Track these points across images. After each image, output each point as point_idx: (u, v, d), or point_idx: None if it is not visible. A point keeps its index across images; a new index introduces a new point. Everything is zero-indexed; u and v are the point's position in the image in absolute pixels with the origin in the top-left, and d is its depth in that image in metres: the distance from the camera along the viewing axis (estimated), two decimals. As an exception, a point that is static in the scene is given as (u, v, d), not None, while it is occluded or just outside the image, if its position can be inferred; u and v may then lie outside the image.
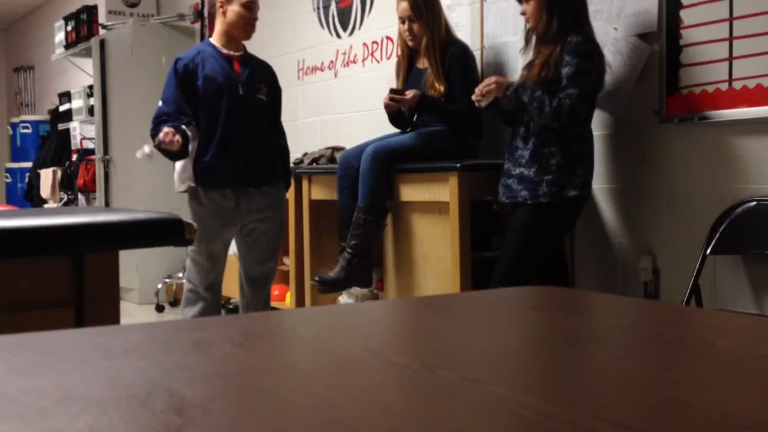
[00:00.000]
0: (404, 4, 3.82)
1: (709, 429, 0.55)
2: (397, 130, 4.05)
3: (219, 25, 3.86)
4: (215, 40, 3.86)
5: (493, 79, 3.32)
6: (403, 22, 3.85)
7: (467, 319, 0.98)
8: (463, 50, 3.83)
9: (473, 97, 3.33)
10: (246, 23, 3.81)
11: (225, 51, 3.82)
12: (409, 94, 3.75)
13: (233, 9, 3.78)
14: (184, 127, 3.63)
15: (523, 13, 3.29)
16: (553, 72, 3.14)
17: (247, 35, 3.87)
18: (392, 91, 3.80)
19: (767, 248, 2.97)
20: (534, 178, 3.17)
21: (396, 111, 3.88)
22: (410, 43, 3.87)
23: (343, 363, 0.76)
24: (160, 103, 3.75)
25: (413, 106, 3.80)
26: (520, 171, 3.22)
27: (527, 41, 3.34)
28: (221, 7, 3.82)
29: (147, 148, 3.83)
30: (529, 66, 3.29)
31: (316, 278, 3.84)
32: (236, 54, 3.85)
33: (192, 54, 3.82)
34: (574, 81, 3.09)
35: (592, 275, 3.60)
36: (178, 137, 3.53)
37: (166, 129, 3.54)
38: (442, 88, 3.76)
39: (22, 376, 0.69)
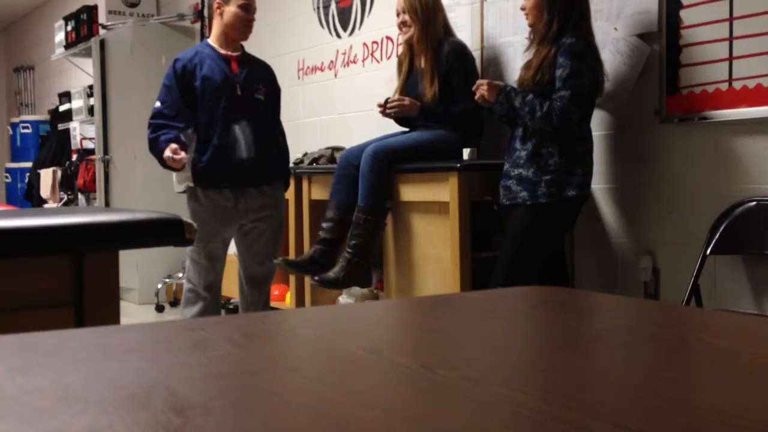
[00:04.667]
0: None
1: (708, 429, 0.55)
2: (397, 130, 4.05)
3: (216, 27, 3.87)
4: (213, 41, 3.86)
5: (484, 83, 3.32)
6: (398, 15, 3.89)
7: (467, 319, 0.98)
8: (461, 48, 3.84)
9: (476, 97, 3.35)
10: (243, 24, 3.81)
11: (223, 51, 3.83)
12: (407, 101, 3.80)
13: (230, 10, 3.79)
14: (182, 137, 3.64)
15: (523, 8, 3.30)
16: (548, 75, 3.15)
17: (244, 36, 3.87)
18: (387, 102, 3.85)
19: (767, 248, 2.97)
20: (533, 179, 3.17)
21: (400, 116, 3.92)
22: (403, 36, 3.90)
23: (343, 363, 0.76)
24: (158, 103, 3.75)
25: (415, 114, 3.83)
26: (518, 172, 3.22)
27: (531, 39, 3.34)
28: (218, 8, 3.83)
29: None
30: (526, 66, 3.30)
31: (316, 278, 3.84)
32: (234, 54, 3.85)
33: (190, 54, 3.82)
34: (566, 83, 3.10)
35: (592, 275, 3.60)
36: (183, 155, 3.55)
37: (174, 147, 3.55)
38: (436, 86, 3.76)
39: (22, 376, 0.69)
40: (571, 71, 3.09)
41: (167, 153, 3.54)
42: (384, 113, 3.90)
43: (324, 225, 3.88)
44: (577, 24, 3.18)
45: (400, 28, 3.92)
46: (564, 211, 3.23)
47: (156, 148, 3.65)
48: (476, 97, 3.34)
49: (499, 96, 3.25)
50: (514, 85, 3.33)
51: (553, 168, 3.15)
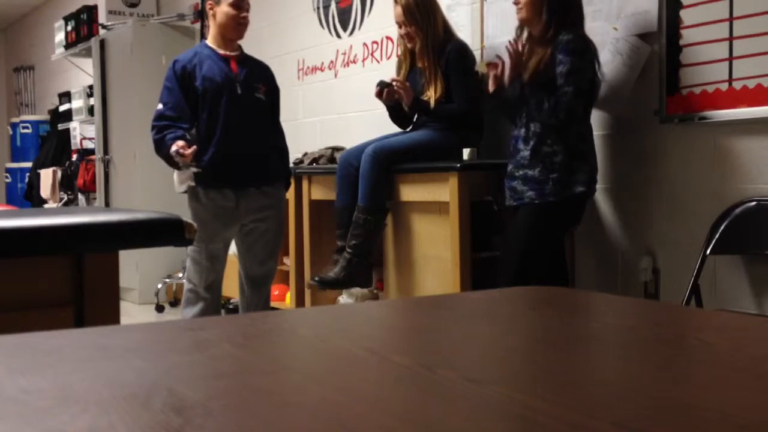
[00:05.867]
0: (398, 9, 3.83)
1: (708, 429, 0.55)
2: (397, 130, 4.05)
3: (212, 28, 3.88)
4: (211, 42, 3.87)
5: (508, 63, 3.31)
6: (399, 27, 3.87)
7: (467, 319, 0.98)
8: (461, 48, 3.83)
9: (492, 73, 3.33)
10: (236, 22, 3.81)
11: (221, 51, 3.83)
12: (407, 84, 3.79)
13: (222, 10, 3.79)
14: (188, 136, 3.64)
15: (516, 3, 3.27)
16: (546, 74, 3.15)
17: (239, 34, 3.86)
18: (384, 84, 3.82)
19: (767, 248, 2.97)
20: (539, 178, 3.17)
21: (394, 102, 3.88)
22: (408, 46, 3.89)
23: (343, 363, 0.76)
24: (160, 105, 3.74)
25: (409, 103, 3.81)
26: (523, 172, 3.21)
27: (519, 34, 3.33)
28: (210, 9, 3.84)
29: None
30: (524, 66, 3.29)
31: (316, 278, 3.84)
32: (233, 54, 3.85)
33: (189, 55, 3.83)
34: (569, 79, 3.10)
35: (592, 275, 3.60)
36: (192, 149, 3.54)
37: (181, 143, 3.54)
38: (439, 89, 3.76)
39: (22, 376, 0.69)
40: (571, 67, 3.10)
41: (174, 148, 3.53)
42: (384, 98, 3.86)
43: (337, 233, 3.88)
44: (574, 22, 3.18)
45: (403, 38, 3.90)
46: (571, 208, 3.23)
47: (163, 147, 3.64)
48: (491, 73, 3.31)
49: (513, 81, 3.25)
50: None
51: (559, 166, 3.15)
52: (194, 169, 3.70)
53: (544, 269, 3.23)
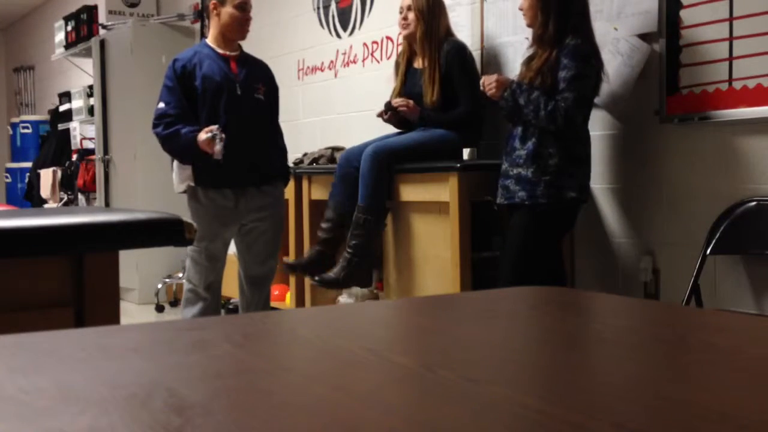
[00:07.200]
0: None
1: (709, 429, 0.55)
2: (397, 130, 4.05)
3: (213, 27, 3.88)
4: (211, 41, 3.87)
5: (493, 78, 3.32)
6: (401, 12, 3.88)
7: (467, 319, 0.98)
8: (461, 48, 3.84)
9: (482, 88, 3.35)
10: (240, 24, 3.82)
11: (221, 51, 3.83)
12: (410, 103, 3.81)
13: (226, 11, 3.80)
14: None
15: (521, 9, 3.31)
16: (550, 78, 3.14)
17: (242, 36, 3.87)
18: (390, 107, 3.84)
19: (767, 248, 2.97)
20: (532, 179, 3.17)
21: (401, 120, 3.91)
22: (403, 32, 3.89)
23: (343, 363, 0.76)
24: (161, 104, 3.75)
25: (416, 120, 3.83)
26: (517, 171, 3.21)
27: (531, 40, 3.36)
28: (214, 9, 3.84)
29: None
30: (528, 63, 3.30)
31: (317, 278, 3.84)
32: (233, 54, 3.85)
33: (189, 55, 3.83)
34: (571, 85, 3.10)
35: (592, 275, 3.60)
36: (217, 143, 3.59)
37: (205, 137, 3.57)
38: (437, 88, 3.76)
39: (22, 376, 0.69)
40: (576, 73, 3.09)
41: (203, 136, 3.56)
42: (386, 118, 3.89)
43: (323, 225, 3.88)
44: (578, 25, 3.18)
45: (400, 24, 3.92)
46: (563, 213, 3.23)
47: (178, 140, 3.65)
48: (488, 93, 3.33)
49: (504, 92, 3.25)
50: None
51: (553, 169, 3.14)
52: (190, 183, 3.72)
53: (542, 270, 3.23)
